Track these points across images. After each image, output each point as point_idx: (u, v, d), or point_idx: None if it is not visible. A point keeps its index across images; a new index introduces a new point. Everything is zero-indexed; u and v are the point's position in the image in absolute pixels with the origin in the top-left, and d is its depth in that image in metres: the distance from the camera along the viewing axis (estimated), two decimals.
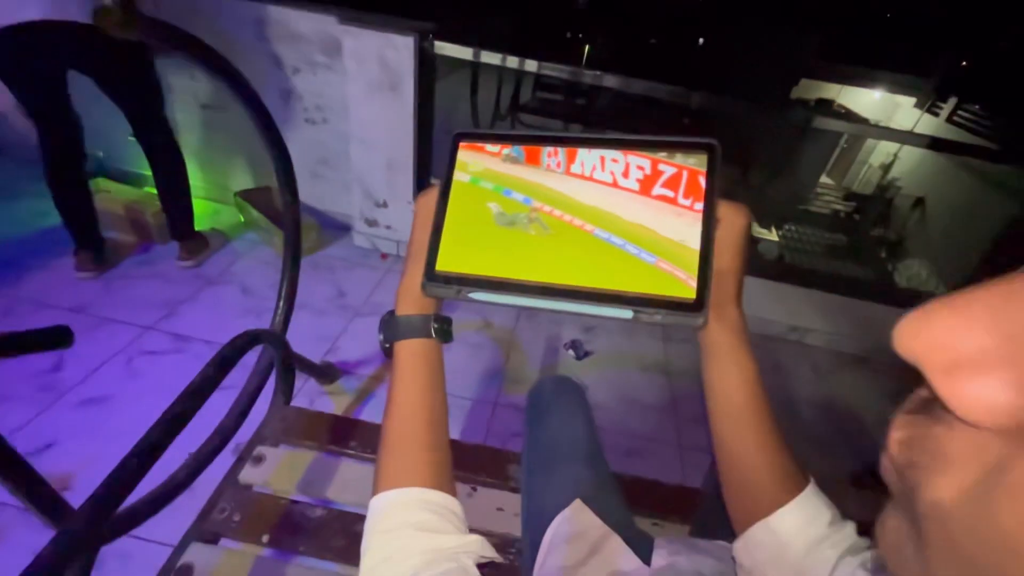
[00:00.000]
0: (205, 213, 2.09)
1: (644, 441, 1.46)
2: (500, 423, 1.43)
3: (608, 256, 0.38)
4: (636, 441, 1.46)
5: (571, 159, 0.41)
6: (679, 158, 0.38)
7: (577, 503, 0.59)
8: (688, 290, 0.35)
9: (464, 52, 1.76)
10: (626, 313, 0.36)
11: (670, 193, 0.38)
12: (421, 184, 1.91)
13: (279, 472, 0.87)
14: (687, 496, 0.89)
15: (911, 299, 2.23)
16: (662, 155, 0.39)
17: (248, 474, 0.86)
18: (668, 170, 0.38)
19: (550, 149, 0.41)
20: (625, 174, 0.39)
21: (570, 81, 1.83)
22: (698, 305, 0.35)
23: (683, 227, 0.37)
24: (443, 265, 0.40)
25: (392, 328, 0.45)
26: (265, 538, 0.77)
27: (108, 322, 1.54)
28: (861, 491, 1.17)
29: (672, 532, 0.83)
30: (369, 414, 1.38)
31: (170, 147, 1.68)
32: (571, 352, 1.71)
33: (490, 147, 0.43)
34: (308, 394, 1.42)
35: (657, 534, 0.59)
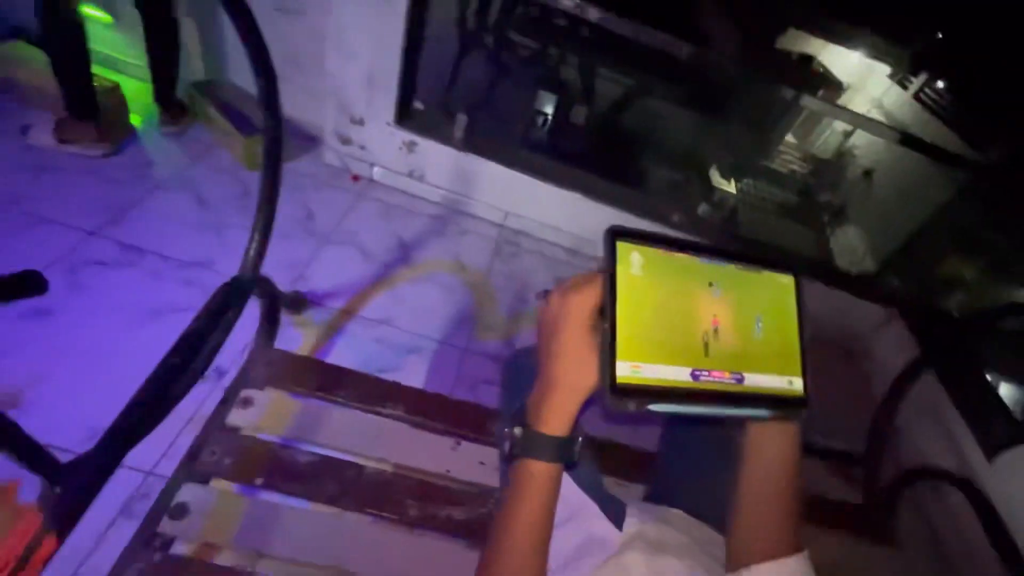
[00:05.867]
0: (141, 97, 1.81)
1: None
2: (469, 369, 1.46)
3: (769, 353, 0.45)
4: None
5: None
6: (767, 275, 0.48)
7: None
8: (798, 388, 0.45)
9: None
10: (762, 413, 0.44)
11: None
12: (405, 105, 1.77)
13: (267, 416, 0.88)
14: (647, 460, 1.01)
15: (845, 281, 2.39)
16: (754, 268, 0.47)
17: (236, 417, 0.86)
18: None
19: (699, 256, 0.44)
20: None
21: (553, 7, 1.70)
22: (807, 401, 0.45)
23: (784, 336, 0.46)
24: (622, 376, 0.38)
25: (532, 445, 0.44)
26: (259, 481, 0.79)
27: (45, 222, 1.39)
28: None
29: (633, 491, 0.95)
30: (340, 353, 1.37)
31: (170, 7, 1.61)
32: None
33: (648, 246, 0.42)
34: None
35: (621, 494, 0.69)
